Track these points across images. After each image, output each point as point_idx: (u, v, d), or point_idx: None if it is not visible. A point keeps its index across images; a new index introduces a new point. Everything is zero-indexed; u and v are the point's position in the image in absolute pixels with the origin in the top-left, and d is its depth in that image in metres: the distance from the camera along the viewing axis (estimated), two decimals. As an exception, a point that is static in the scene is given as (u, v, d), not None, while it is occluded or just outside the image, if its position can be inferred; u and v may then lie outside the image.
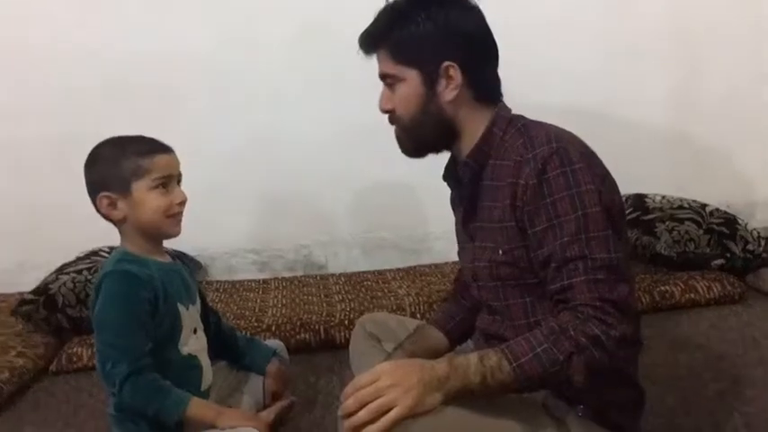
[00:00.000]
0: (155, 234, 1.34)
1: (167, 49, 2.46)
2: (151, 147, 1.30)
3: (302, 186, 2.61)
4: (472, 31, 1.17)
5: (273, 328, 2.01)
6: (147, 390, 1.25)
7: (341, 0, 2.40)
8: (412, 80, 1.17)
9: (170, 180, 1.31)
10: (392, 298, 2.22)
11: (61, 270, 2.15)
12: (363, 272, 2.58)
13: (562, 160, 1.06)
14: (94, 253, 2.21)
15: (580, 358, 0.98)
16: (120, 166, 1.27)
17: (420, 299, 2.16)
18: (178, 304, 1.34)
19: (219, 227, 2.54)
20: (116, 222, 1.33)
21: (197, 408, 1.27)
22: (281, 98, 2.54)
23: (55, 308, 2.04)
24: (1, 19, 2.45)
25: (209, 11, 2.51)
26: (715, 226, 2.23)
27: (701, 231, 2.21)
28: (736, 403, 1.52)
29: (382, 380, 0.96)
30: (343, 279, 2.50)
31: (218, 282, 2.60)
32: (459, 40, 1.15)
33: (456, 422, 1.00)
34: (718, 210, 2.29)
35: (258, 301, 2.32)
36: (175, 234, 1.35)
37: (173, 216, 1.32)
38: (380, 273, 2.56)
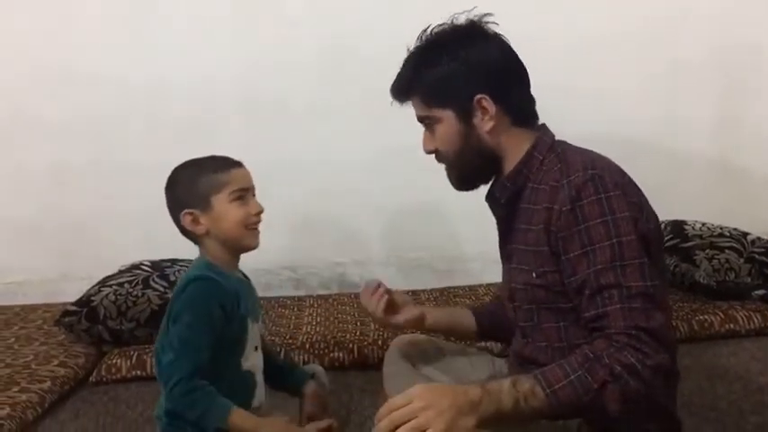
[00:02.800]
0: (236, 246, 1.39)
1: (201, 72, 2.55)
2: (225, 162, 1.37)
3: (338, 205, 2.64)
4: (496, 59, 1.20)
5: (307, 346, 2.03)
6: (195, 393, 1.28)
7: (370, 22, 2.45)
8: (448, 119, 1.20)
9: (246, 192, 1.37)
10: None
11: (104, 282, 2.20)
12: (396, 290, 2.58)
13: (597, 187, 1.07)
14: (136, 266, 2.26)
15: (615, 387, 0.98)
16: (199, 184, 1.34)
17: (454, 321, 2.15)
18: (248, 318, 1.39)
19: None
20: (198, 237, 1.39)
21: (239, 417, 1.29)
22: (319, 119, 2.59)
23: (96, 320, 2.08)
24: (47, 43, 2.56)
25: (238, 34, 2.57)
26: (756, 255, 2.18)
27: (742, 260, 2.17)
28: (776, 438, 1.49)
29: (416, 402, 0.97)
30: (377, 298, 2.51)
31: (254, 298, 2.63)
32: (484, 71, 1.18)
33: None
34: (759, 239, 2.24)
35: (293, 318, 2.34)
36: (254, 246, 1.40)
37: (252, 227, 1.37)
38: (414, 293, 2.56)
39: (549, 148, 1.20)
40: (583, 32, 2.49)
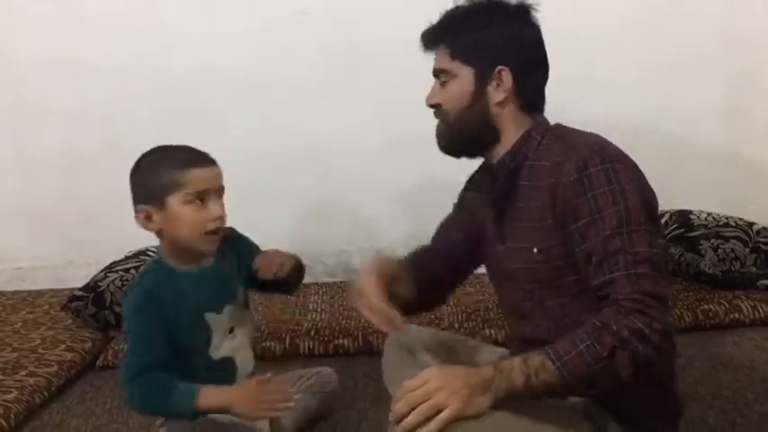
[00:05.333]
0: (187, 250, 1.31)
1: (210, 58, 2.54)
2: (188, 159, 1.27)
3: (344, 192, 2.64)
4: (529, 44, 1.23)
5: (312, 333, 2.04)
6: (150, 389, 1.25)
7: (384, 8, 2.43)
8: (465, 78, 1.22)
9: (207, 194, 1.26)
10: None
11: (110, 268, 2.21)
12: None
13: (602, 158, 1.09)
14: (143, 252, 2.27)
15: (624, 353, 0.98)
16: (157, 179, 1.26)
17: (458, 308, 2.16)
18: (206, 314, 1.33)
19: (261, 231, 2.54)
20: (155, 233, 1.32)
21: (206, 398, 1.24)
22: (324, 105, 2.58)
23: (103, 305, 2.10)
24: (56, 30, 2.57)
25: (248, 19, 2.56)
26: (762, 245, 2.18)
27: (748, 250, 2.17)
28: (779, 426, 1.49)
29: (431, 383, 0.99)
30: (382, 286, 2.51)
31: (259, 285, 2.64)
32: (516, 48, 1.21)
33: (499, 427, 1.01)
34: (765, 228, 2.24)
35: (298, 305, 2.35)
36: (207, 250, 1.31)
37: (209, 233, 1.28)
38: (419, 281, 2.57)
39: (547, 130, 1.22)
40: (587, 21, 2.47)
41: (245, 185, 2.53)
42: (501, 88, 1.20)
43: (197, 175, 1.25)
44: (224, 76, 2.54)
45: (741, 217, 2.29)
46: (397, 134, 2.49)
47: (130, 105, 2.58)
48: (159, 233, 1.31)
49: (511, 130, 1.22)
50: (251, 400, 1.24)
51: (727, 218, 2.27)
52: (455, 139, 1.26)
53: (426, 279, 1.38)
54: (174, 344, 1.28)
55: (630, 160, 1.14)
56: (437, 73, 1.26)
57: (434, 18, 1.28)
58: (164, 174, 1.25)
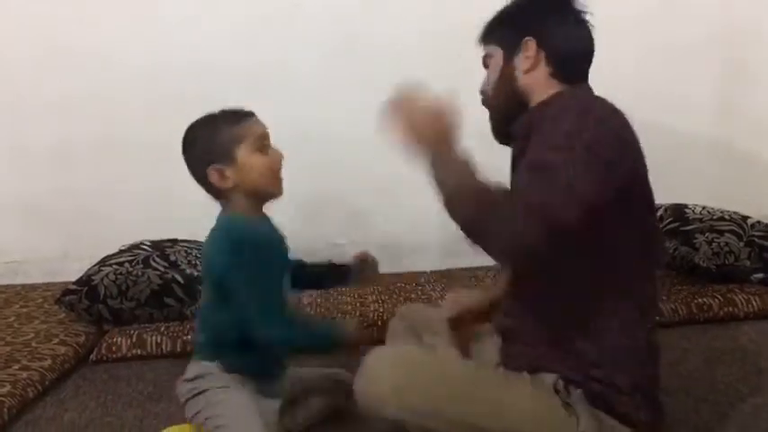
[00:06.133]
0: (263, 195, 1.39)
1: (202, 47, 2.53)
2: (239, 114, 1.37)
3: (338, 185, 2.63)
4: (557, 11, 1.24)
5: (307, 326, 2.04)
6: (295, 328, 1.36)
7: (381, 3, 2.43)
8: (498, 57, 1.26)
9: (265, 139, 1.37)
10: (425, 300, 2.23)
11: (104, 262, 2.20)
12: (398, 273, 2.59)
13: (580, 112, 1.10)
14: (136, 246, 2.26)
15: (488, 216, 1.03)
16: (220, 138, 1.33)
17: (453, 302, 2.16)
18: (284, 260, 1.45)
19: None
20: (225, 192, 1.35)
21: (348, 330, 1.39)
22: (320, 98, 2.57)
23: (97, 299, 2.09)
24: (50, 22, 2.55)
25: (246, 14, 2.55)
26: (756, 239, 2.19)
27: (742, 244, 2.17)
28: (773, 419, 1.49)
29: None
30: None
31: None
32: (540, 18, 1.24)
33: (470, 405, 1.04)
34: (759, 222, 2.25)
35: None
36: (280, 193, 1.41)
37: (277, 174, 1.39)
38: (414, 274, 2.57)
39: (574, 94, 1.21)
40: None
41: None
42: (526, 56, 1.22)
43: (253, 126, 1.36)
44: (219, 69, 2.53)
45: (736, 210, 2.29)
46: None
47: (125, 98, 2.56)
48: (232, 189, 1.34)
49: (538, 97, 1.23)
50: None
51: (721, 212, 2.28)
52: (497, 117, 1.28)
53: None
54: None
55: (619, 116, 1.14)
56: (485, 60, 1.31)
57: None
58: (225, 132, 1.33)
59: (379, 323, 2.02)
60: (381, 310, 2.14)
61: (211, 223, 1.38)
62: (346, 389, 1.55)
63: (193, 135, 1.36)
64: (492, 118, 1.29)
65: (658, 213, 2.27)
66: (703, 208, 2.30)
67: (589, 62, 1.26)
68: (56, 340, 1.99)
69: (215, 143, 1.32)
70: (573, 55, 1.24)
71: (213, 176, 1.32)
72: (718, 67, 2.56)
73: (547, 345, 1.16)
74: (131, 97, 2.56)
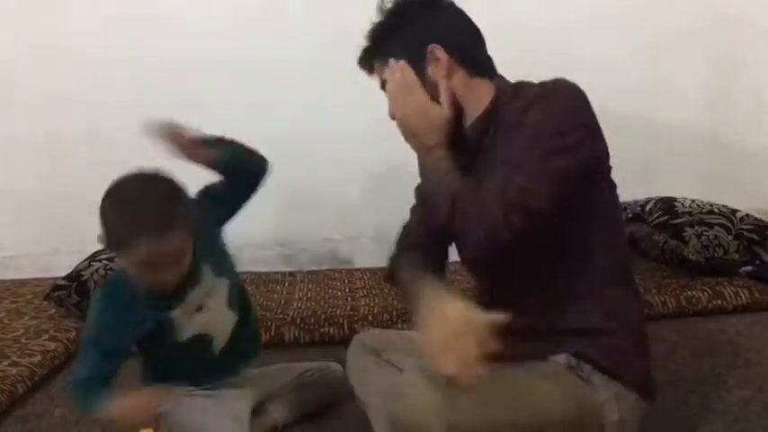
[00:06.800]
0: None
1: (195, 45, 2.52)
2: (133, 231, 1.20)
3: (329, 180, 2.63)
4: (447, 14, 1.22)
5: (298, 321, 2.04)
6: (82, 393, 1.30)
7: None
8: (403, 73, 1.20)
9: (153, 264, 1.22)
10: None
11: (93, 257, 2.20)
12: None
13: (544, 89, 1.11)
14: (126, 241, 2.25)
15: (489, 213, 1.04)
16: (113, 232, 1.24)
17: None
18: (168, 311, 1.32)
19: (247, 219, 2.55)
20: None
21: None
22: (310, 94, 2.57)
23: (86, 294, 2.09)
24: (36, 19, 2.55)
25: (234, 7, 2.55)
26: (745, 232, 2.20)
27: (731, 237, 2.18)
28: (760, 411, 1.50)
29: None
30: (368, 274, 2.52)
31: (245, 273, 2.62)
32: (436, 23, 1.21)
33: (511, 410, 1.03)
34: (748, 215, 2.26)
35: (284, 293, 2.35)
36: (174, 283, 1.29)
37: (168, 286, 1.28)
38: (406, 269, 2.57)
39: (515, 92, 1.19)
40: (570, 5, 2.47)
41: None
42: (439, 64, 1.19)
43: (140, 251, 1.20)
44: (208, 63, 2.53)
45: (725, 203, 2.30)
46: (384, 122, 2.47)
47: (114, 92, 2.55)
48: None
49: (471, 98, 1.20)
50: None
51: (711, 205, 2.29)
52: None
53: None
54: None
55: (571, 85, 1.13)
56: (383, 86, 1.26)
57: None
58: (114, 235, 1.24)
59: (370, 317, 2.03)
60: (372, 304, 2.14)
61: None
62: (334, 382, 1.56)
63: (102, 208, 1.27)
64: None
65: (647, 207, 2.28)
66: (693, 201, 2.31)
67: (485, 48, 1.25)
68: (46, 336, 1.99)
69: (109, 235, 1.25)
70: (475, 47, 1.23)
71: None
72: (706, 59, 2.57)
73: (544, 333, 1.16)
74: (120, 92, 2.55)
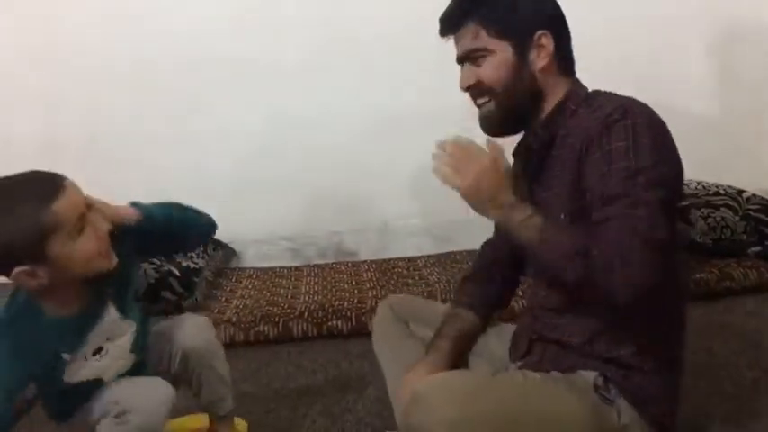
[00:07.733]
0: (87, 276, 1.14)
1: (194, 44, 2.52)
2: (42, 194, 1.05)
3: (335, 174, 2.63)
4: (554, 3, 1.20)
5: (306, 315, 2.04)
6: None
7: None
8: (504, 52, 1.17)
9: (82, 218, 1.08)
10: (423, 285, 2.24)
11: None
12: (394, 258, 2.60)
13: (625, 114, 1.06)
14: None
15: (585, 261, 0.99)
16: (22, 234, 1.03)
17: (451, 286, 2.17)
18: (62, 354, 1.18)
19: (253, 214, 2.58)
20: (37, 291, 1.11)
21: None
22: (316, 88, 2.56)
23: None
24: (34, 22, 2.55)
25: (232, 6, 2.54)
26: (752, 212, 2.18)
27: (738, 218, 2.17)
28: (771, 392, 1.50)
29: (471, 164, 1.06)
30: (374, 266, 2.52)
31: (251, 268, 2.64)
32: (550, 10, 1.18)
33: (515, 402, 1.03)
34: (755, 196, 2.24)
35: (291, 287, 2.35)
36: (111, 266, 1.14)
37: (104, 252, 1.12)
38: (412, 260, 2.57)
39: (583, 100, 1.18)
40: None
41: (234, 171, 2.53)
42: (544, 53, 1.16)
43: (64, 206, 1.06)
44: (207, 62, 2.52)
45: (731, 185, 2.29)
46: (386, 114, 2.48)
47: (112, 94, 2.55)
48: (48, 286, 1.09)
49: (552, 95, 1.19)
50: None
51: (716, 186, 2.27)
52: (505, 115, 1.20)
53: (493, 302, 1.37)
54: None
55: (658, 119, 1.10)
56: (468, 54, 1.20)
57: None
58: (28, 226, 1.04)
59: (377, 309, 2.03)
60: (379, 296, 2.14)
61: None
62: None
63: None
64: (498, 113, 1.20)
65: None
66: (698, 183, 2.30)
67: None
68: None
69: (16, 241, 1.03)
70: (571, 47, 1.21)
71: (20, 278, 1.06)
72: (710, 39, 2.55)
73: (588, 349, 1.14)
74: (118, 91, 2.54)
